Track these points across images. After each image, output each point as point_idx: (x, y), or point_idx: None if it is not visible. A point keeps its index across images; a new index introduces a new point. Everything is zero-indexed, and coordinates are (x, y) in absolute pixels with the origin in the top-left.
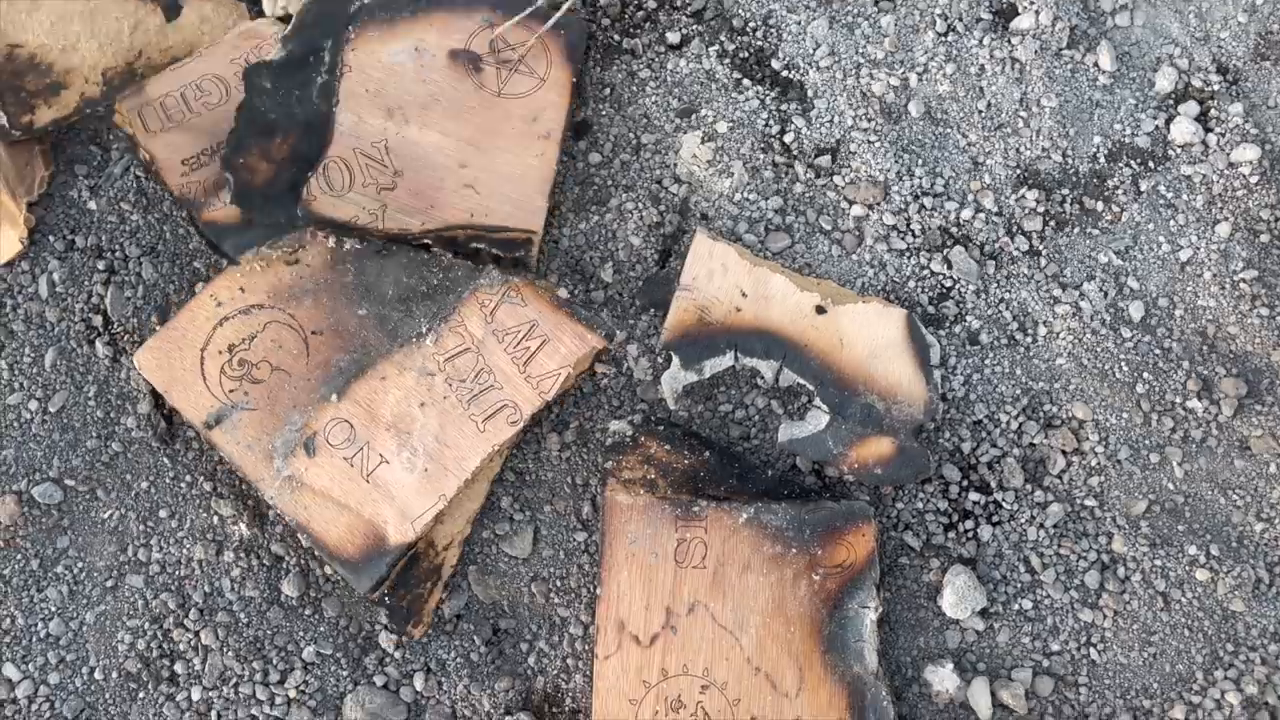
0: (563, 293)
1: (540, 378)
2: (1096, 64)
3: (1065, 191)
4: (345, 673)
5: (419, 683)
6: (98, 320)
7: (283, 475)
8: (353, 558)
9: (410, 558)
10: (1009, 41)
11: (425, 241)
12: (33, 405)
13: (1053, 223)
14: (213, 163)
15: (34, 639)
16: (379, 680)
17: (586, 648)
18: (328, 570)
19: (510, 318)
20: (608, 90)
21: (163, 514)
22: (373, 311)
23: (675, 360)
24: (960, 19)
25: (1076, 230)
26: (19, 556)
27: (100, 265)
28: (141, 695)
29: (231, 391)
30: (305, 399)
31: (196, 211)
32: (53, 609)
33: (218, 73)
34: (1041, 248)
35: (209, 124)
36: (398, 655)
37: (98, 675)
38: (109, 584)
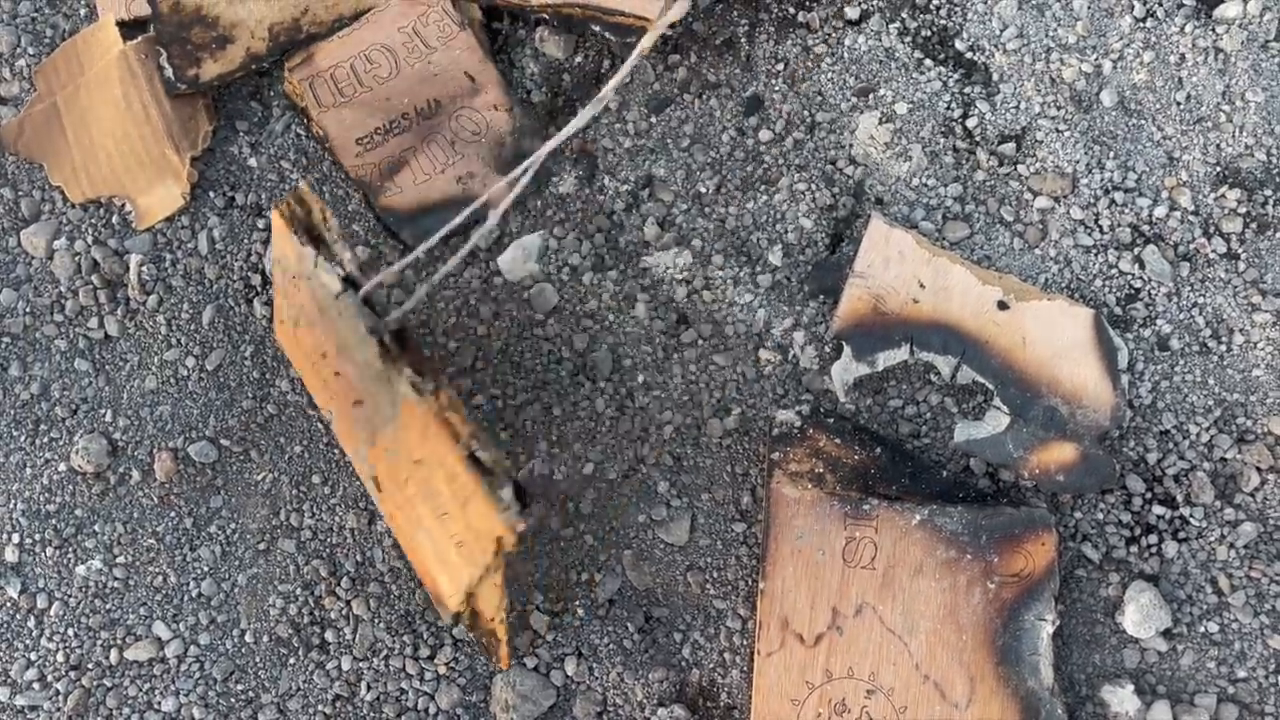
0: (484, 454)
1: (475, 534)
2: None
3: (1268, 192)
4: None
5: (570, 667)
6: (256, 279)
7: (374, 496)
8: (430, 591)
9: (470, 614)
10: (1213, 30)
11: (543, 16)
12: (190, 362)
13: (1254, 225)
14: (386, 143)
15: (185, 598)
16: (529, 662)
17: (744, 643)
18: None
19: (426, 445)
20: (781, 65)
21: (315, 480)
22: (357, 373)
23: (847, 350)
24: (1160, 4)
25: (1279, 234)
26: (173, 514)
27: (260, 224)
28: (292, 661)
29: (328, 394)
30: (358, 432)
31: (373, 196)
32: (205, 569)
33: (385, 43)
34: (1241, 251)
35: (380, 100)
36: (549, 638)
37: (248, 638)
38: (261, 547)
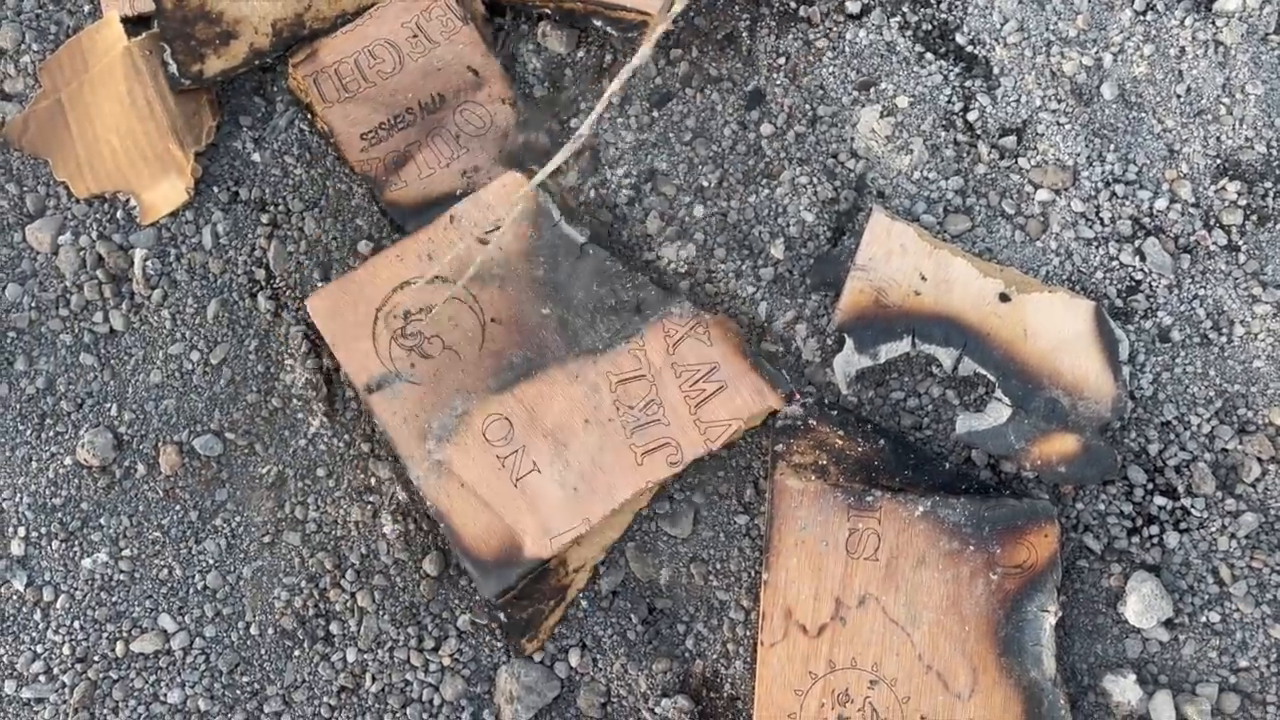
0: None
1: (710, 424)
2: None
3: (1268, 184)
4: (500, 644)
5: (574, 659)
6: (260, 274)
7: (433, 458)
8: (484, 559)
9: (540, 572)
10: (1213, 23)
11: (545, 10)
12: (194, 356)
13: (1254, 217)
14: (391, 138)
15: (191, 591)
16: (534, 654)
17: (747, 633)
18: None
19: (693, 354)
20: (782, 59)
21: (320, 473)
22: (556, 313)
23: (849, 343)
24: None
25: (1279, 226)
26: (178, 507)
27: (263, 218)
28: (297, 653)
29: (398, 360)
30: (471, 385)
31: (379, 191)
32: (210, 561)
33: (389, 38)
34: (1241, 243)
35: (385, 95)
36: (554, 629)
37: (253, 630)
38: (266, 540)
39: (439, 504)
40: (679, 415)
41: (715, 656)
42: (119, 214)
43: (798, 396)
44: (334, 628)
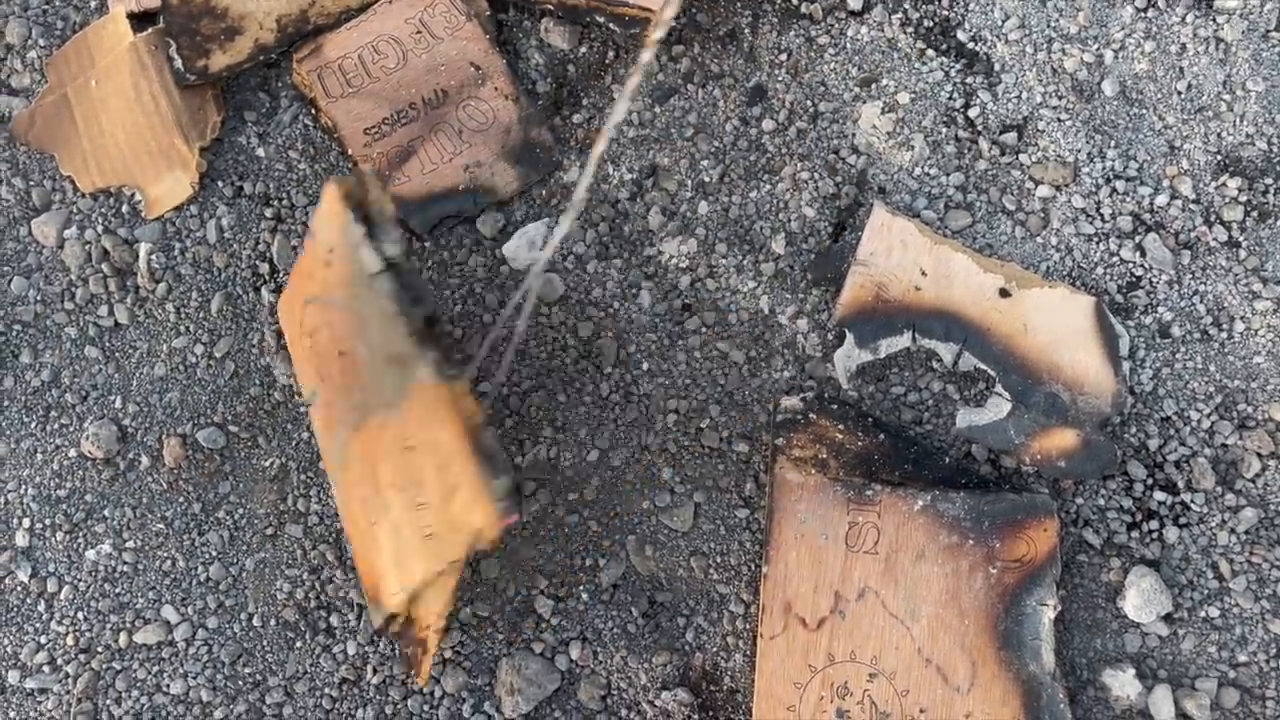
0: (490, 443)
1: (453, 526)
2: None
3: (1269, 181)
4: (501, 636)
5: (575, 652)
6: (264, 268)
7: (336, 483)
8: (366, 591)
9: (405, 619)
10: (1213, 20)
11: (548, 7)
12: (198, 349)
13: (1255, 213)
14: (394, 133)
15: (194, 582)
16: (535, 646)
17: (747, 627)
18: None
19: (427, 431)
20: (784, 56)
21: (322, 465)
22: (368, 355)
23: (849, 338)
24: None
25: (1279, 223)
26: (181, 499)
27: (267, 213)
28: (299, 645)
29: (311, 376)
30: (342, 416)
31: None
32: (213, 553)
33: (393, 34)
34: (1242, 239)
35: (388, 90)
36: (554, 622)
37: (256, 622)
38: (269, 532)
39: (345, 525)
40: (436, 504)
41: (715, 649)
42: (124, 208)
43: (512, 520)
44: (334, 620)
